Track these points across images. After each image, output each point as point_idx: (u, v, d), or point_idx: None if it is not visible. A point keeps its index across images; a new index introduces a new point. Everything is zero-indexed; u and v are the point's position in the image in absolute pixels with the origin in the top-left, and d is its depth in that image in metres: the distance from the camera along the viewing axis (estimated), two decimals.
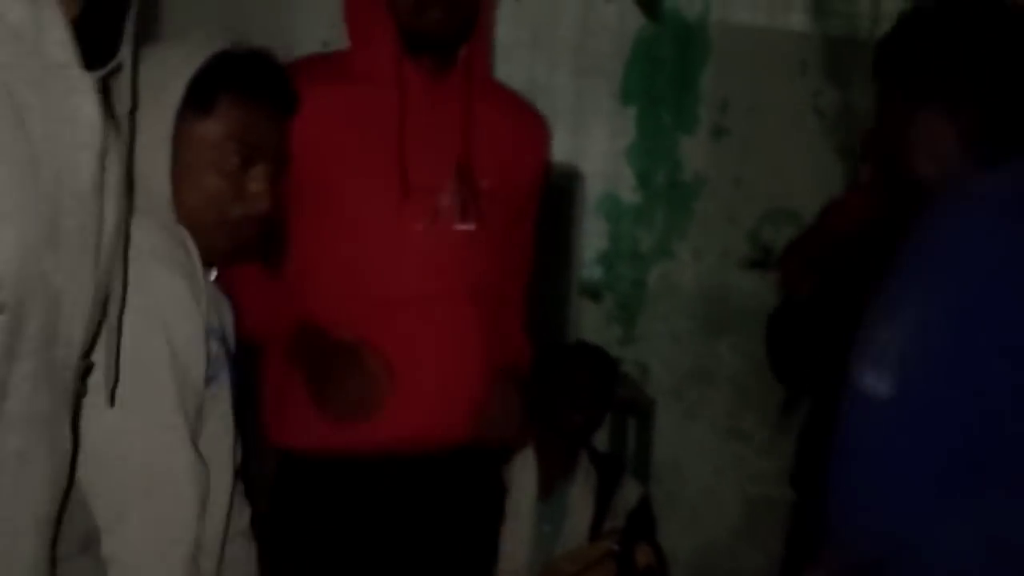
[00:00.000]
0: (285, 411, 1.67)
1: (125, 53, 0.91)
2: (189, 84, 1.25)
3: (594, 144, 3.08)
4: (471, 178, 1.68)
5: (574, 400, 2.47)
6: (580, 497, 2.49)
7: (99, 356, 0.96)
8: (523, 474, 2.46)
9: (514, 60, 3.03)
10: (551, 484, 2.49)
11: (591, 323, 3.10)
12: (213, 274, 1.34)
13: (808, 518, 2.34)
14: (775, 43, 3.10)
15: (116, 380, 0.99)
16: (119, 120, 0.95)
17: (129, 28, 0.91)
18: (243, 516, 1.40)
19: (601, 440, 2.91)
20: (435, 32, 1.65)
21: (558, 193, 2.99)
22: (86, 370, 0.93)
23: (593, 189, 3.08)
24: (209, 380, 1.27)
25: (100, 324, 0.94)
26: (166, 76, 1.25)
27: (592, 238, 3.10)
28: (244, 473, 1.39)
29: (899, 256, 1.28)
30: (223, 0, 2.75)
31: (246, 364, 1.48)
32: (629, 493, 2.55)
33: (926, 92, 1.35)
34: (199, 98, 1.26)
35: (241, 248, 1.34)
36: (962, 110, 1.33)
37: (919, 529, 1.24)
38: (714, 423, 3.23)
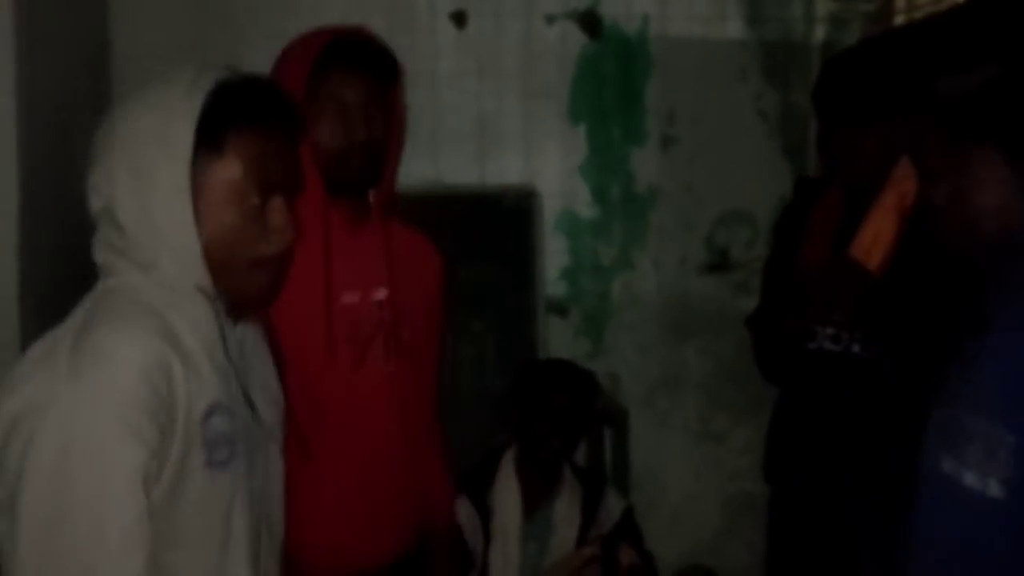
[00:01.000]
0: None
1: None
2: (197, 126, 1.18)
3: (548, 164, 3.14)
4: (393, 319, 1.75)
5: (553, 424, 2.44)
6: (566, 512, 2.48)
7: None
8: (506, 496, 2.45)
9: (462, 89, 3.09)
10: (536, 503, 2.48)
11: (559, 338, 3.14)
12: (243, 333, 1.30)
13: (786, 510, 2.39)
14: (714, 52, 3.18)
15: None
16: None
17: None
18: None
19: (579, 452, 2.96)
20: (356, 178, 1.73)
21: (518, 214, 3.04)
22: None
23: (551, 207, 3.13)
24: (212, 464, 1.19)
25: None
26: (168, 121, 1.18)
27: (554, 255, 3.15)
28: None
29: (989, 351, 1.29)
30: None
31: None
32: (613, 506, 2.54)
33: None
34: (207, 138, 1.19)
35: (276, 287, 1.29)
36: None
37: None
38: (687, 427, 3.29)
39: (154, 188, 1.17)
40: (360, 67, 1.72)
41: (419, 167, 3.06)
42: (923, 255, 1.87)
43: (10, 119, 1.99)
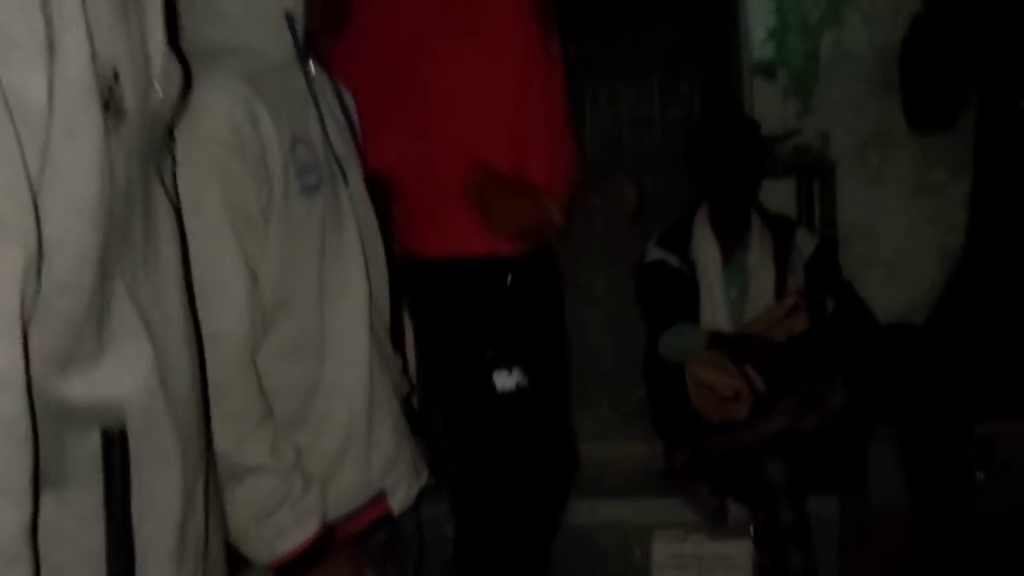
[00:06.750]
0: (428, 225, 1.90)
1: None
2: None
3: None
4: None
5: (728, 179, 2.59)
6: (759, 260, 2.62)
7: None
8: (705, 247, 2.63)
9: None
10: (730, 251, 2.64)
11: (767, 99, 3.20)
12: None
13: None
14: None
15: None
16: None
17: None
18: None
19: (789, 206, 3.05)
20: None
21: None
22: None
23: None
24: (307, 190, 1.30)
25: None
26: None
27: (760, 15, 3.16)
28: None
29: None
30: None
31: None
32: (804, 245, 2.66)
33: None
34: None
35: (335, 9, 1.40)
36: None
37: None
38: (900, 182, 3.29)
39: None
40: None
41: None
42: None
43: None
